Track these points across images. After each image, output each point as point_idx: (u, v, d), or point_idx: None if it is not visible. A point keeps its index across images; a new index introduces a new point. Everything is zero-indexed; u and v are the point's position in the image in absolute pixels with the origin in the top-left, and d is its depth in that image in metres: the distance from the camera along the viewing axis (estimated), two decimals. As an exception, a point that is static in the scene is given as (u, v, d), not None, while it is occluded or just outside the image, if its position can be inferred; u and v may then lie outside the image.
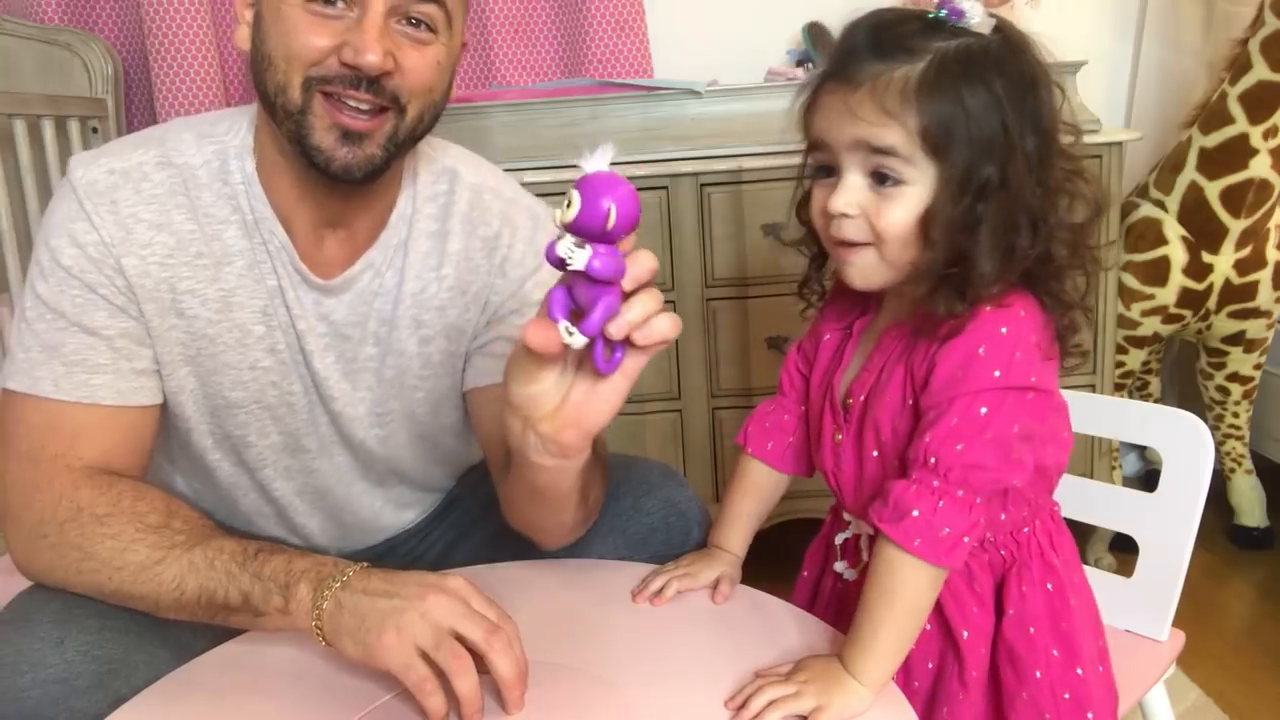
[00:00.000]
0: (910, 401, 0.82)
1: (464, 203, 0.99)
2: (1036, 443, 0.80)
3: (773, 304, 1.71)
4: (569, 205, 0.59)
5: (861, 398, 0.86)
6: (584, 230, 0.59)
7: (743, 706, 0.73)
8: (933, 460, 0.76)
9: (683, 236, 1.69)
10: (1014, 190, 0.77)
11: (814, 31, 1.93)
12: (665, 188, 1.67)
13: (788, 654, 0.81)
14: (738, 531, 0.98)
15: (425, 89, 0.87)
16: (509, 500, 0.93)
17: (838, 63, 0.80)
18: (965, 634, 0.85)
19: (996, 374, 0.76)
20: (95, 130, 1.85)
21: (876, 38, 0.79)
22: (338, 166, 0.85)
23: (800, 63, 1.96)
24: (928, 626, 0.85)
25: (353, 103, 0.84)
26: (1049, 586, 0.87)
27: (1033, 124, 0.78)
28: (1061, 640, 0.86)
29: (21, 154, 1.59)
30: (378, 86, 0.84)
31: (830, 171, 0.82)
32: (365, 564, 0.79)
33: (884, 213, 0.78)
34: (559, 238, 0.60)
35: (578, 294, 0.62)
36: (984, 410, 0.76)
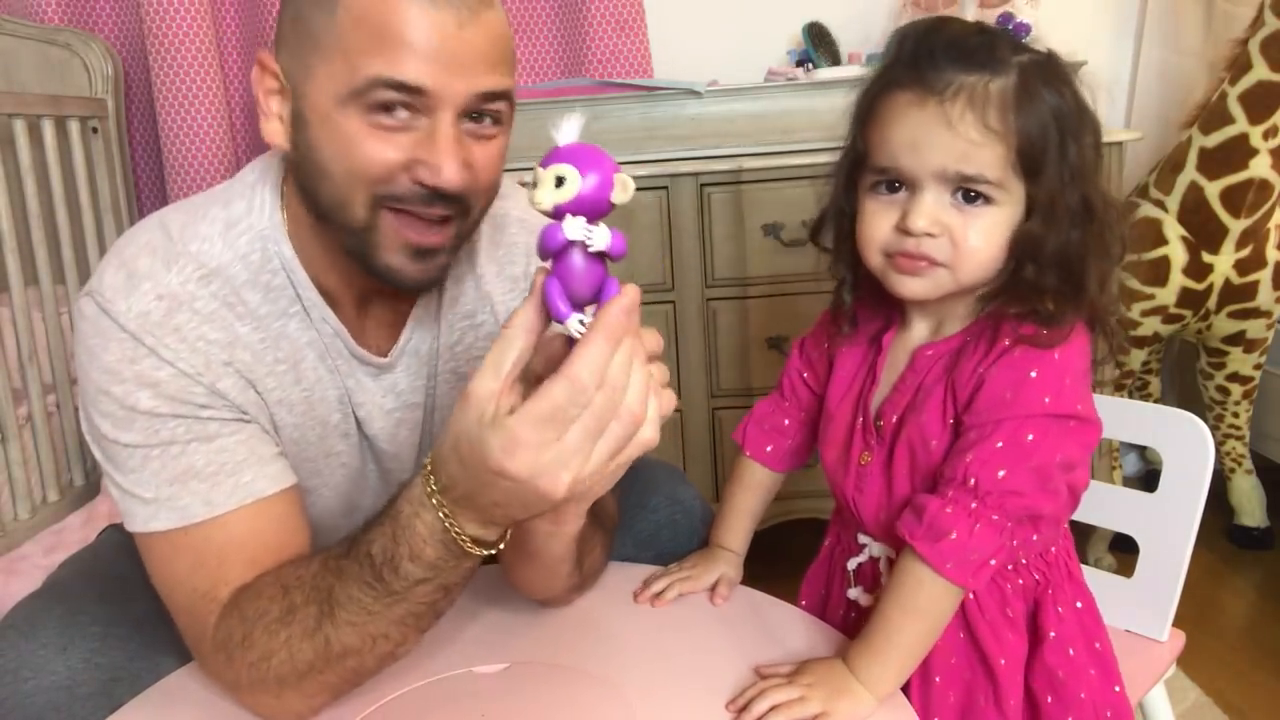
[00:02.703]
0: (950, 420, 0.80)
1: (486, 239, 0.92)
2: (1075, 471, 0.79)
3: (773, 304, 1.71)
4: (561, 184, 0.53)
5: (894, 418, 0.84)
6: (585, 208, 0.53)
7: (745, 709, 0.72)
8: (972, 481, 0.75)
9: (683, 236, 1.69)
10: (1099, 215, 0.77)
11: (814, 31, 1.93)
12: (665, 188, 1.67)
13: (789, 655, 0.81)
14: (737, 529, 0.98)
15: (492, 185, 0.81)
16: (501, 555, 0.87)
17: (912, 69, 0.76)
18: (1003, 661, 0.83)
19: (1046, 400, 0.75)
20: (95, 130, 1.84)
21: (960, 46, 0.76)
22: (411, 284, 0.80)
23: (800, 63, 1.96)
24: (951, 660, 0.84)
25: (424, 217, 0.77)
26: (1079, 605, 0.86)
27: (1095, 140, 0.78)
28: (1097, 659, 0.85)
29: (21, 154, 1.59)
30: (450, 197, 0.76)
31: (896, 186, 0.78)
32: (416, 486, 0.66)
33: (970, 232, 0.76)
34: (554, 219, 0.54)
35: (571, 279, 0.56)
36: (1030, 437, 0.75)
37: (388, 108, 0.73)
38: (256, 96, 0.79)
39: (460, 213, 0.79)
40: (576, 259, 0.55)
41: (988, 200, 0.76)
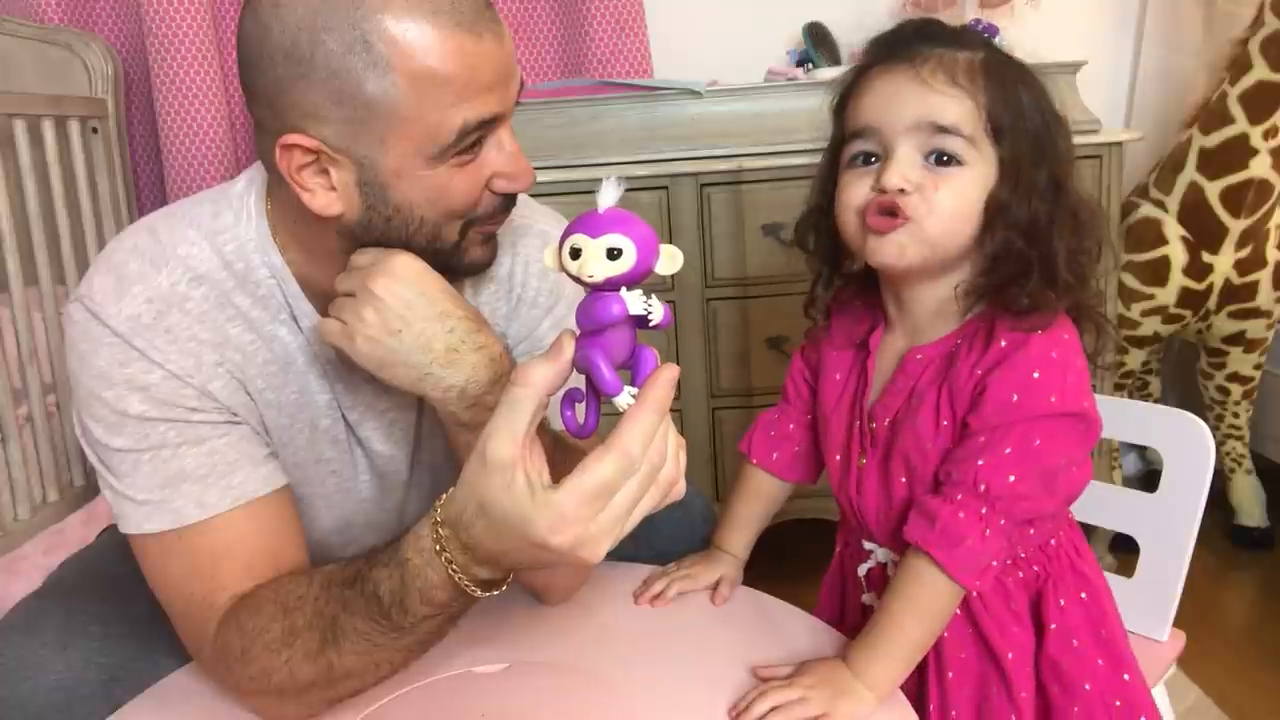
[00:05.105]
0: (945, 422, 0.81)
1: None
2: (1074, 469, 0.80)
3: (773, 304, 1.71)
4: (616, 256, 0.52)
5: (887, 422, 0.85)
6: (637, 281, 0.53)
7: (744, 710, 0.72)
8: (983, 487, 0.76)
9: (683, 236, 1.69)
10: (1068, 191, 0.79)
11: (814, 31, 1.93)
12: (665, 188, 1.67)
13: (790, 655, 0.81)
14: (740, 535, 0.98)
15: None
16: None
17: (887, 50, 0.81)
18: (1010, 655, 0.83)
19: (1052, 399, 0.76)
20: (95, 130, 1.84)
21: (929, 29, 0.81)
22: (485, 267, 0.84)
23: (800, 63, 1.96)
24: (962, 654, 0.84)
25: (499, 221, 0.82)
26: (1083, 595, 0.86)
27: (1064, 132, 0.81)
28: (1104, 648, 0.85)
29: (21, 154, 1.59)
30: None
31: (871, 158, 0.81)
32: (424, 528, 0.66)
33: (941, 189, 0.77)
34: (605, 289, 0.53)
35: (615, 349, 0.56)
36: (1038, 442, 0.76)
37: (474, 145, 0.75)
38: (284, 174, 0.75)
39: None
40: (624, 330, 0.55)
41: (959, 162, 0.78)
